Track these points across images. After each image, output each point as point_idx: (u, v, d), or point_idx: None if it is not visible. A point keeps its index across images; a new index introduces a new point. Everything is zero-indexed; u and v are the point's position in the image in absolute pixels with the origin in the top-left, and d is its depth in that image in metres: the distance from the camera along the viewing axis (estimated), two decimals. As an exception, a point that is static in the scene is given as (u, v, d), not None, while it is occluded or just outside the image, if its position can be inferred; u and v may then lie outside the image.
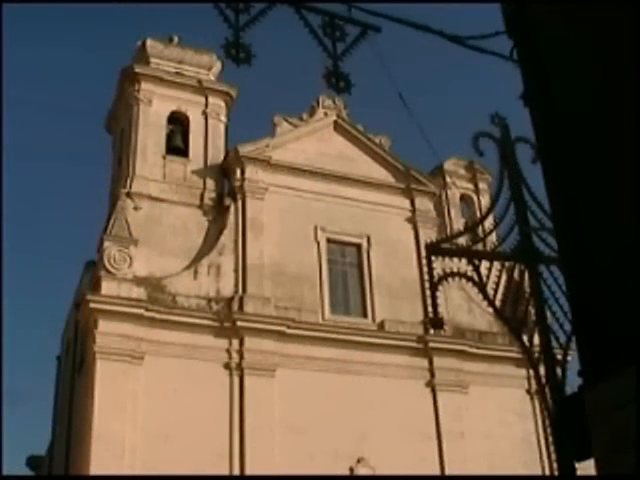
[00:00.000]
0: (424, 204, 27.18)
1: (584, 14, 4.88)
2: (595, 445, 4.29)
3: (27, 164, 72.09)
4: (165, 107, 25.98)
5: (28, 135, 72.69)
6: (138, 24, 59.14)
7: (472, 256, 7.66)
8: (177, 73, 26.66)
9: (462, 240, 8.02)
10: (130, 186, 23.81)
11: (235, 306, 22.65)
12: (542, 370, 6.93)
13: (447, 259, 7.70)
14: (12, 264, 54.75)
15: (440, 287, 7.65)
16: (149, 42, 26.94)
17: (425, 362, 24.33)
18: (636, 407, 3.91)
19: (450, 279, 7.72)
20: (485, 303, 7.69)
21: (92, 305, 20.90)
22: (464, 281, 7.90)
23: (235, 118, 27.51)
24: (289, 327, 22.74)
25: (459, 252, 7.69)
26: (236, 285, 23.25)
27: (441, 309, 7.82)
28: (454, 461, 22.92)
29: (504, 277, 7.62)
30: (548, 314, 7.07)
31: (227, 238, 23.92)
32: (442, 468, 22.80)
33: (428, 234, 25.05)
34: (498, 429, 24.03)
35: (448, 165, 29.79)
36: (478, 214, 28.15)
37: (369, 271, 25.14)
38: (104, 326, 20.79)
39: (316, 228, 24.96)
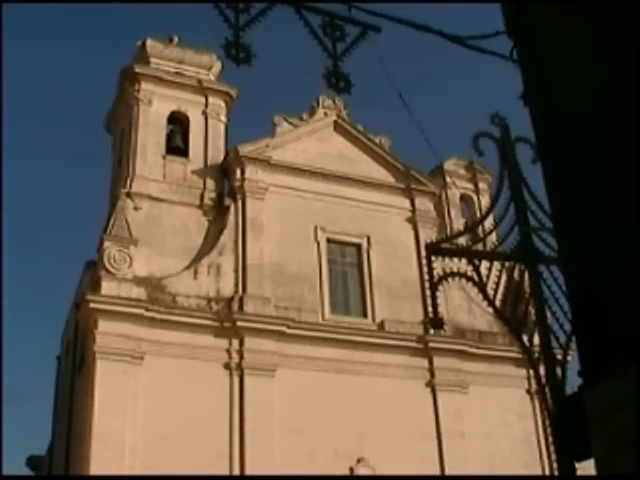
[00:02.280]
0: (424, 204, 27.17)
1: (584, 14, 4.88)
2: (595, 445, 4.29)
3: (27, 164, 72.16)
4: (165, 107, 25.97)
5: (28, 135, 72.76)
6: (138, 24, 59.21)
7: (472, 256, 7.66)
8: (177, 73, 26.65)
9: (462, 240, 8.02)
10: (130, 186, 23.81)
11: (235, 306, 22.64)
12: (542, 370, 6.93)
13: (447, 259, 7.70)
14: (12, 264, 54.81)
15: (440, 287, 7.65)
16: (149, 42, 26.93)
17: (425, 362, 24.32)
18: (636, 407, 3.91)
19: (450, 279, 7.72)
20: (485, 303, 7.69)
21: (92, 305, 20.89)
22: (464, 281, 7.90)
23: (235, 118, 27.54)
24: (289, 327, 22.74)
25: (459, 252, 7.69)
26: (236, 285, 23.24)
27: (441, 309, 7.82)
28: (454, 461, 22.91)
29: (504, 277, 7.62)
30: (548, 314, 7.07)
31: (227, 238, 23.91)
32: (442, 468, 22.79)
33: (428, 234, 25.04)
34: (498, 429, 24.02)
35: (448, 165, 29.78)
36: (478, 214, 28.12)
37: (369, 271, 25.13)
38: (104, 326, 20.79)
39: (316, 228, 24.96)
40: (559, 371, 6.84)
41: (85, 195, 74.41)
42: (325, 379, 22.49)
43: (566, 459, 6.06)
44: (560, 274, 6.73)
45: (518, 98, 5.95)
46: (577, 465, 5.87)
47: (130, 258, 21.94)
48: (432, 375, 24.20)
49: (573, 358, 5.72)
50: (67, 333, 28.05)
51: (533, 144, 7.13)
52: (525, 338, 7.46)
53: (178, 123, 26.04)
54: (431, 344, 24.24)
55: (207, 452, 20.33)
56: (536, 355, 7.21)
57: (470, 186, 30.09)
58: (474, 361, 24.85)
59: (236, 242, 23.86)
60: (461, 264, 7.81)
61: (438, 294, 7.62)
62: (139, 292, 21.53)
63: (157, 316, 21.46)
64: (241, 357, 22.00)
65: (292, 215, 24.87)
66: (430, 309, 7.90)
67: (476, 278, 7.60)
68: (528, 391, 25.16)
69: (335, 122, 27.27)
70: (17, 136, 64.89)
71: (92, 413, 19.88)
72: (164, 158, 25.12)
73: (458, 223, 27.65)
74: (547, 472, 23.31)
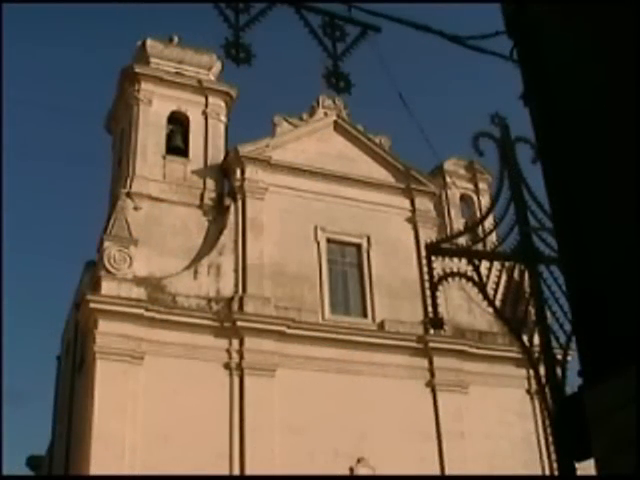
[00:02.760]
0: (424, 204, 27.17)
1: (584, 14, 4.88)
2: (595, 445, 4.29)
3: (27, 164, 72.16)
4: (165, 107, 25.97)
5: (28, 135, 72.76)
6: (138, 24, 59.22)
7: (472, 256, 7.66)
8: (177, 73, 26.65)
9: (462, 240, 8.02)
10: (130, 186, 23.81)
11: (235, 306, 22.64)
12: (542, 370, 6.93)
13: (447, 259, 7.70)
14: (12, 264, 54.83)
15: (440, 287, 7.65)
16: (149, 42, 26.93)
17: (425, 362, 24.31)
18: (636, 407, 3.91)
19: (450, 279, 7.72)
20: (485, 303, 7.69)
21: (92, 305, 20.89)
22: (464, 281, 7.90)
23: (235, 118, 27.54)
24: (289, 327, 22.73)
25: (459, 252, 7.69)
26: (236, 285, 23.24)
27: (441, 309, 7.82)
28: (454, 461, 22.91)
29: (504, 277, 7.62)
30: (548, 314, 7.07)
31: (227, 238, 23.91)
32: (442, 468, 22.78)
33: (428, 234, 25.04)
34: (498, 429, 24.02)
35: (448, 165, 29.78)
36: (478, 214, 28.12)
37: (369, 271, 25.13)
38: (104, 326, 20.78)
39: (316, 228, 24.95)
40: (559, 371, 6.83)
41: (85, 195, 74.50)
42: (325, 379, 22.48)
43: (566, 459, 6.06)
44: (560, 274, 6.72)
45: (518, 98, 5.95)
46: (577, 465, 5.87)
47: (130, 258, 21.94)
48: (432, 375, 24.20)
49: (573, 358, 5.72)
50: (67, 333, 28.05)
51: (533, 144, 7.13)
52: (525, 338, 7.46)
53: (178, 123, 26.04)
54: (431, 344, 24.24)
55: (207, 452, 20.33)
56: (536, 355, 7.21)
57: (470, 186, 30.09)
58: (474, 361, 24.84)
59: (236, 242, 23.86)
60: (461, 264, 7.81)
61: (438, 294, 7.62)
62: (139, 292, 21.53)
63: (157, 316, 21.46)
64: (241, 357, 22.00)
65: (292, 215, 24.86)
66: (430, 309, 7.90)
67: (476, 278, 7.59)
68: (528, 391, 25.16)
69: (335, 122, 27.27)
70: (17, 136, 64.96)
71: (92, 413, 19.87)
72: (164, 158, 25.12)
73: (458, 223, 27.65)
74: (547, 472, 23.30)
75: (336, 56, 6.62)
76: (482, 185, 30.04)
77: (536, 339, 7.30)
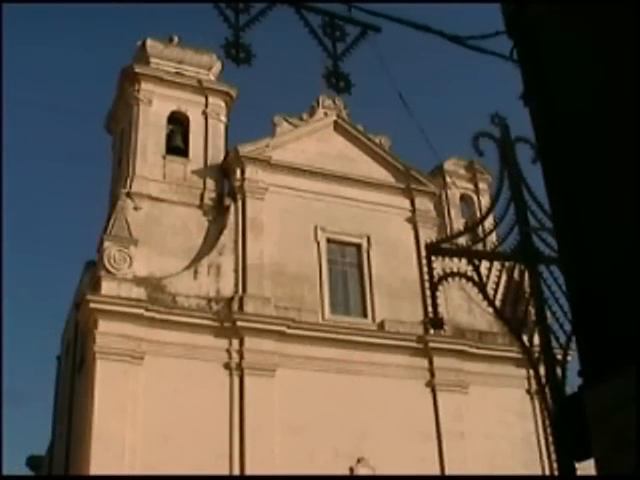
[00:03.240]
0: (424, 204, 27.17)
1: (584, 14, 4.88)
2: (595, 445, 4.29)
3: (27, 164, 72.16)
4: (165, 107, 25.97)
5: (28, 135, 72.75)
6: (138, 24, 59.21)
7: (472, 256, 7.66)
8: (177, 73, 26.65)
9: (462, 240, 8.02)
10: (130, 186, 23.81)
11: (235, 306, 22.64)
12: (542, 370, 6.93)
13: (447, 259, 7.70)
14: (12, 264, 54.86)
15: (440, 287, 7.65)
16: (149, 42, 26.93)
17: (425, 362, 24.31)
18: (636, 407, 3.91)
19: (450, 279, 7.72)
20: (485, 303, 7.69)
21: (92, 305, 20.89)
22: (464, 281, 7.90)
23: (235, 118, 27.53)
24: (289, 327, 22.73)
25: (459, 252, 7.69)
26: (236, 285, 23.24)
27: (441, 309, 7.82)
28: (454, 461, 22.91)
29: (504, 277, 7.62)
30: (548, 314, 7.07)
31: (227, 238, 23.91)
32: (442, 468, 22.78)
33: (428, 234, 25.04)
34: (498, 429, 24.02)
35: (448, 165, 29.78)
36: (478, 214, 28.12)
37: (369, 271, 25.13)
38: (104, 326, 20.79)
39: (316, 228, 24.95)
40: (559, 371, 6.84)
41: (85, 195, 74.50)
42: (325, 379, 22.48)
43: (566, 459, 6.06)
44: (560, 274, 6.73)
45: (518, 98, 5.95)
46: (577, 465, 5.87)
47: (130, 258, 21.94)
48: (432, 375, 24.20)
49: (573, 358, 5.72)
50: (67, 333, 28.05)
51: (533, 144, 7.14)
52: (525, 338, 7.46)
53: (178, 123, 26.03)
54: (431, 344, 24.24)
55: (207, 452, 20.33)
56: (536, 355, 7.21)
57: (470, 186, 30.09)
58: (474, 361, 24.84)
59: (236, 242, 23.86)
60: (461, 264, 7.81)
61: (438, 294, 7.62)
62: (139, 292, 21.53)
63: (157, 316, 21.46)
64: (241, 357, 22.00)
65: (292, 215, 24.86)
66: (430, 309, 7.90)
67: (476, 278, 7.60)
68: (528, 391, 25.16)
69: (335, 122, 27.27)
70: (17, 136, 64.93)
71: (92, 413, 19.88)
72: (164, 158, 25.12)
73: (458, 223, 27.64)
74: (547, 472, 23.30)
75: (336, 56, 6.62)
76: (482, 185, 30.04)
77: (536, 339, 7.30)
